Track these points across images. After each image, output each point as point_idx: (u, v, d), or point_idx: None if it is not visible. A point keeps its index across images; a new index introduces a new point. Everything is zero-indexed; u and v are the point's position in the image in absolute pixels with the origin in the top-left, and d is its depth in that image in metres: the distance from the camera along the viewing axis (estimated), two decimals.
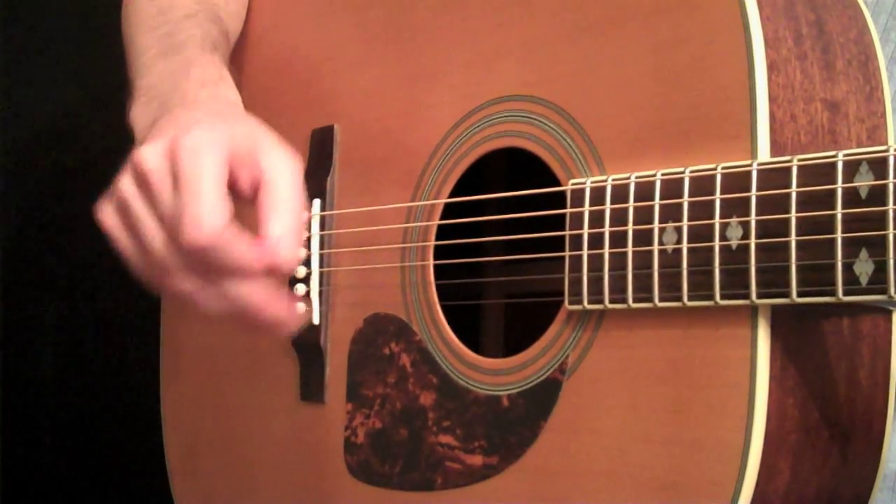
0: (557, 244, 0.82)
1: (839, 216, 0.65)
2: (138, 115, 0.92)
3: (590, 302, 0.78)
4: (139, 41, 1.01)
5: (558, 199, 0.83)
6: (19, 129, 1.40)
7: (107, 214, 0.82)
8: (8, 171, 1.40)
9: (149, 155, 0.79)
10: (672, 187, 0.74)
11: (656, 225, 0.74)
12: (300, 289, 1.03)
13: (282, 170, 0.79)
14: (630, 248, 0.76)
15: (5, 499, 1.38)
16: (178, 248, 0.77)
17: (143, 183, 0.79)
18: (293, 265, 0.80)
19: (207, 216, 0.75)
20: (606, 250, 0.77)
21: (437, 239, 0.93)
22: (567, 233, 0.80)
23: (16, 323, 1.40)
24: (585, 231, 0.79)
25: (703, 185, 0.72)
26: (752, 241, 0.69)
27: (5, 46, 1.39)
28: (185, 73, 0.93)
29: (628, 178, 0.76)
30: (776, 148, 0.72)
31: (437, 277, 0.93)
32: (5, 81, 1.39)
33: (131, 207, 0.80)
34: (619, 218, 0.77)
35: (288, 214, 0.77)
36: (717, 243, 0.71)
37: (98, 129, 1.43)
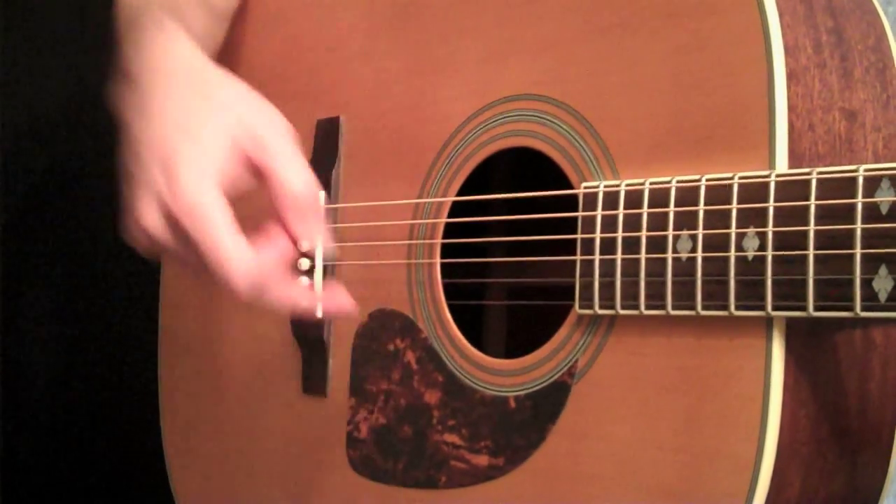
0: (564, 246, 0.82)
1: (859, 231, 0.65)
2: (119, 93, 0.91)
3: (601, 307, 0.78)
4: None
5: (566, 201, 0.82)
6: (16, 124, 1.39)
7: (139, 243, 0.85)
8: (4, 167, 1.38)
9: (150, 225, 0.82)
10: (687, 195, 0.73)
11: (671, 232, 0.74)
12: (304, 282, 1.02)
13: (288, 162, 0.84)
14: (643, 255, 0.75)
15: (5, 499, 1.37)
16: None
17: (156, 244, 0.83)
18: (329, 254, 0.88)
19: (236, 274, 0.80)
20: (619, 256, 0.77)
21: (444, 237, 0.93)
22: (579, 236, 0.79)
23: (15, 322, 1.39)
24: (598, 235, 0.78)
25: (719, 193, 0.72)
26: (769, 253, 0.69)
27: (3, 44, 1.38)
28: (150, 51, 0.91)
29: (643, 183, 0.76)
30: (794, 158, 0.71)
31: (442, 275, 0.93)
32: (2, 77, 1.38)
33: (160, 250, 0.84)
34: (633, 223, 0.76)
35: (309, 215, 0.85)
36: (732, 253, 0.70)
37: (94, 125, 1.41)
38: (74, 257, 1.42)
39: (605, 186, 0.78)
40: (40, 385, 1.43)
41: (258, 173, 0.85)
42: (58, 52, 1.42)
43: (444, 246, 0.93)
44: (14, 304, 1.39)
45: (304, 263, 1.02)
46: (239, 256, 0.81)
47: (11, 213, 1.40)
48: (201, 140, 0.82)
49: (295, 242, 0.85)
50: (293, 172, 0.85)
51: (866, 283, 0.64)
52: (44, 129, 1.41)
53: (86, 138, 1.44)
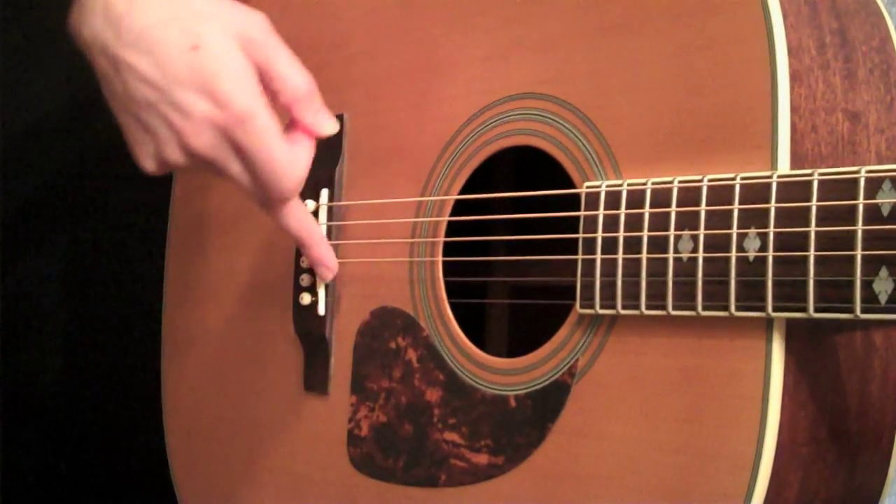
0: (565, 246, 0.82)
1: (860, 233, 0.65)
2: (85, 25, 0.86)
3: (602, 307, 0.78)
4: None
5: (568, 200, 0.82)
6: (16, 124, 1.39)
7: (167, 168, 0.87)
8: (4, 167, 1.38)
9: (202, 144, 0.83)
10: (689, 195, 0.73)
11: (672, 232, 0.74)
12: (306, 279, 1.02)
13: (284, 57, 0.86)
14: (644, 255, 0.75)
15: (5, 499, 1.37)
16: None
17: (204, 162, 0.85)
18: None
19: (286, 175, 0.85)
20: (620, 255, 0.77)
21: (446, 235, 0.93)
22: (580, 235, 0.79)
23: (15, 321, 1.40)
24: (599, 235, 0.78)
25: (721, 194, 0.72)
26: (770, 254, 0.69)
27: (3, 44, 1.38)
28: None
29: (645, 183, 0.76)
30: (796, 159, 0.71)
31: (444, 274, 0.93)
32: (2, 77, 1.38)
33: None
34: (634, 223, 0.76)
35: (316, 104, 0.88)
36: (733, 254, 0.70)
37: (94, 125, 1.41)
38: (75, 257, 1.42)
39: (608, 186, 0.78)
40: (42, 385, 1.43)
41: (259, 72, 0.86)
42: (58, 52, 1.42)
43: (446, 244, 0.93)
44: (14, 304, 1.39)
45: (307, 261, 1.02)
46: (289, 158, 0.85)
47: (11, 213, 1.40)
48: (215, 49, 0.82)
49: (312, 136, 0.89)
50: (291, 67, 0.87)
51: (867, 285, 0.64)
52: (44, 129, 1.41)
53: (86, 138, 1.44)
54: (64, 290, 1.42)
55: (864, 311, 0.64)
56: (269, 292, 1.08)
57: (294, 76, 0.87)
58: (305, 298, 1.02)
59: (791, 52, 0.71)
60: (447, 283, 0.92)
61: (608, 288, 0.77)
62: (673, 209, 0.74)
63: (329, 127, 0.89)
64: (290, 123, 0.88)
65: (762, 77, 0.71)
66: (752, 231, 0.70)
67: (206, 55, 0.82)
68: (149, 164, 0.87)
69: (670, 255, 0.74)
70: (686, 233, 0.73)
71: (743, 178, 0.70)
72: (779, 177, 0.69)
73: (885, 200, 0.64)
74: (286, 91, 0.86)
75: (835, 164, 0.72)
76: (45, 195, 1.41)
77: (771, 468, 0.70)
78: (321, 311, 1.01)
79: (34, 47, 1.38)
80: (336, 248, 1.01)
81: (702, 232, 0.72)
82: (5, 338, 1.38)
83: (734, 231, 0.70)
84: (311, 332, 1.02)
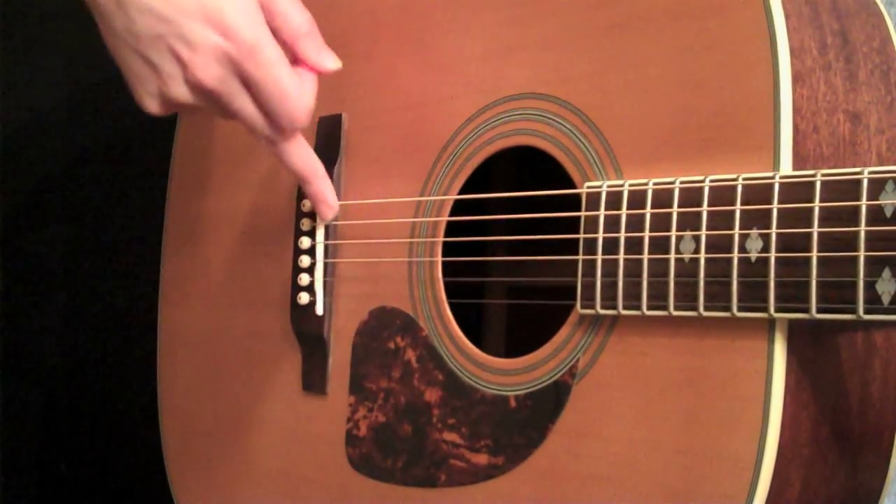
0: (565, 246, 0.82)
1: (863, 233, 0.65)
2: None
3: (603, 307, 0.78)
4: None
5: (568, 201, 0.82)
6: (16, 124, 1.39)
7: (172, 107, 0.87)
8: (4, 167, 1.38)
9: (211, 77, 0.83)
10: (691, 195, 0.73)
11: (673, 233, 0.74)
12: (304, 279, 1.02)
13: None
14: (646, 255, 0.75)
15: (5, 499, 1.37)
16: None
17: (211, 98, 0.85)
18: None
19: (297, 105, 0.86)
20: (621, 256, 0.77)
21: (445, 235, 0.92)
22: (581, 236, 0.79)
23: (15, 321, 1.39)
24: (600, 235, 0.78)
25: (723, 194, 0.72)
26: (772, 255, 0.69)
27: (3, 44, 1.38)
28: None
29: (646, 184, 0.76)
30: (798, 159, 0.71)
31: (443, 274, 0.92)
32: (2, 77, 1.37)
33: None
34: (636, 224, 0.76)
35: (318, 41, 0.90)
36: (735, 255, 0.70)
37: (94, 125, 1.41)
38: (74, 256, 1.42)
39: (609, 186, 0.78)
40: (40, 384, 1.43)
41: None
42: (58, 52, 1.41)
43: (445, 244, 0.93)
44: (14, 304, 1.39)
45: (305, 261, 1.02)
46: (300, 90, 0.86)
47: (10, 209, 1.39)
48: None
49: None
50: (292, 4, 0.88)
51: (869, 286, 0.64)
52: (43, 127, 1.40)
53: (86, 138, 1.44)
54: (63, 286, 1.42)
55: (866, 311, 0.64)
56: (266, 291, 1.08)
57: (296, 13, 0.87)
58: (303, 298, 1.02)
59: (793, 52, 0.71)
60: (447, 283, 0.92)
61: (609, 288, 0.77)
62: (675, 209, 0.74)
63: (331, 62, 0.90)
64: (293, 61, 0.88)
65: (764, 78, 0.71)
66: (755, 232, 0.70)
67: (234, 43, 0.82)
68: (151, 104, 0.86)
69: (672, 256, 0.74)
70: (688, 233, 0.73)
71: (745, 179, 0.70)
72: (781, 177, 0.69)
73: (888, 201, 0.64)
74: (288, 28, 0.87)
75: (836, 165, 0.72)
76: (44, 193, 1.40)
77: (773, 468, 0.70)
78: (319, 310, 1.01)
79: (34, 47, 1.37)
80: (335, 248, 1.01)
81: (704, 232, 0.72)
82: (5, 337, 1.38)
83: (736, 232, 0.71)
84: (310, 331, 1.02)
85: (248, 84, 0.84)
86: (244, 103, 0.86)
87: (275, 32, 0.86)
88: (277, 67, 0.84)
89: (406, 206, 0.95)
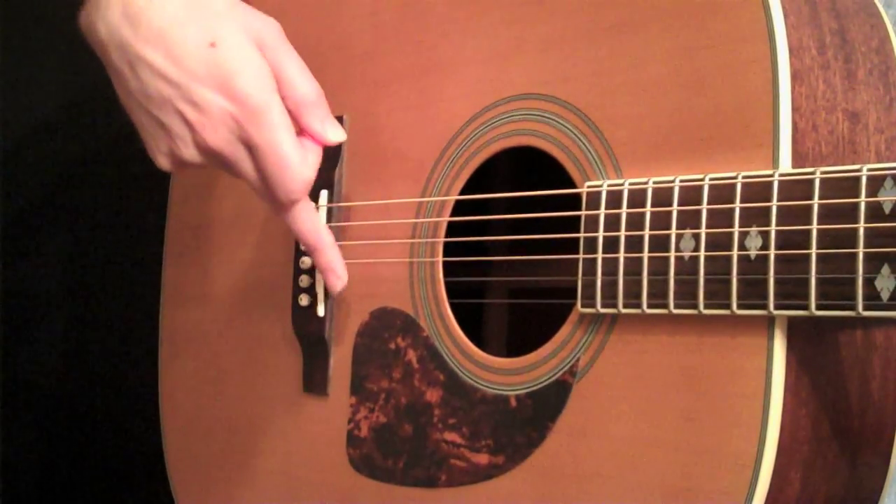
0: (566, 246, 0.82)
1: (861, 230, 0.65)
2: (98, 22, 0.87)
3: (603, 306, 0.78)
4: None
5: (569, 200, 0.82)
6: (16, 124, 1.39)
7: (183, 166, 0.87)
8: (4, 167, 1.38)
9: (218, 141, 0.83)
10: (691, 194, 0.74)
11: (673, 231, 0.74)
12: (305, 280, 1.02)
13: (295, 62, 0.88)
14: (646, 254, 0.75)
15: (5, 499, 1.37)
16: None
17: (216, 159, 0.85)
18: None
19: (295, 175, 0.85)
20: (622, 254, 0.77)
21: (446, 235, 0.93)
22: (581, 235, 0.80)
23: (15, 321, 1.39)
24: (601, 234, 0.78)
25: (722, 193, 0.72)
26: (772, 252, 0.69)
27: (3, 44, 1.38)
28: None
29: (646, 182, 0.76)
30: (797, 158, 0.71)
31: (444, 274, 0.93)
32: (2, 77, 1.38)
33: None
34: (636, 222, 0.76)
35: (324, 110, 0.89)
36: (735, 252, 0.71)
37: (94, 125, 1.42)
38: (74, 257, 1.42)
39: (609, 185, 0.78)
40: (41, 385, 1.43)
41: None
42: (58, 52, 1.42)
43: (446, 244, 0.93)
44: (14, 304, 1.39)
45: (306, 262, 1.02)
46: (299, 158, 0.85)
47: (11, 213, 1.40)
48: (232, 48, 0.83)
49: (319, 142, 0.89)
50: (301, 73, 0.88)
51: (868, 283, 0.64)
52: (44, 129, 1.41)
53: (86, 138, 1.44)
54: (64, 289, 1.42)
55: (866, 308, 0.65)
56: (267, 293, 1.08)
57: (303, 82, 0.87)
58: (304, 299, 1.02)
59: (792, 51, 0.72)
60: (447, 284, 0.92)
61: (609, 287, 0.78)
62: (674, 208, 0.74)
63: (335, 135, 0.89)
64: (298, 131, 0.88)
65: (763, 76, 0.72)
66: (754, 229, 0.70)
67: (224, 53, 0.83)
68: (163, 162, 0.87)
69: (672, 254, 0.74)
70: (688, 231, 0.73)
71: (744, 177, 0.71)
72: (781, 175, 0.69)
73: (886, 198, 0.64)
74: (294, 96, 0.87)
75: (835, 164, 0.72)
76: (45, 195, 1.41)
77: (773, 466, 0.70)
78: (320, 312, 1.01)
79: (34, 47, 1.38)
80: None
81: (703, 231, 0.72)
82: (5, 337, 1.38)
83: (736, 229, 0.71)
84: (310, 333, 1.02)
85: (250, 148, 0.85)
86: (248, 167, 0.86)
87: (281, 100, 0.86)
88: (279, 132, 0.84)
89: (407, 207, 0.96)
